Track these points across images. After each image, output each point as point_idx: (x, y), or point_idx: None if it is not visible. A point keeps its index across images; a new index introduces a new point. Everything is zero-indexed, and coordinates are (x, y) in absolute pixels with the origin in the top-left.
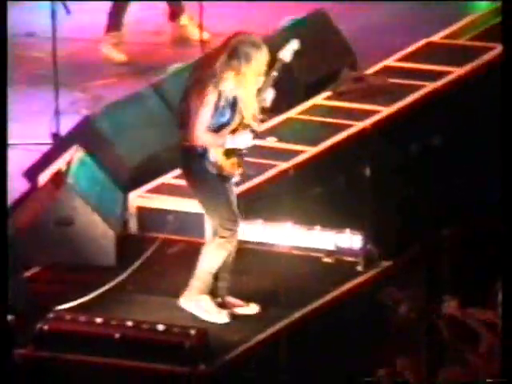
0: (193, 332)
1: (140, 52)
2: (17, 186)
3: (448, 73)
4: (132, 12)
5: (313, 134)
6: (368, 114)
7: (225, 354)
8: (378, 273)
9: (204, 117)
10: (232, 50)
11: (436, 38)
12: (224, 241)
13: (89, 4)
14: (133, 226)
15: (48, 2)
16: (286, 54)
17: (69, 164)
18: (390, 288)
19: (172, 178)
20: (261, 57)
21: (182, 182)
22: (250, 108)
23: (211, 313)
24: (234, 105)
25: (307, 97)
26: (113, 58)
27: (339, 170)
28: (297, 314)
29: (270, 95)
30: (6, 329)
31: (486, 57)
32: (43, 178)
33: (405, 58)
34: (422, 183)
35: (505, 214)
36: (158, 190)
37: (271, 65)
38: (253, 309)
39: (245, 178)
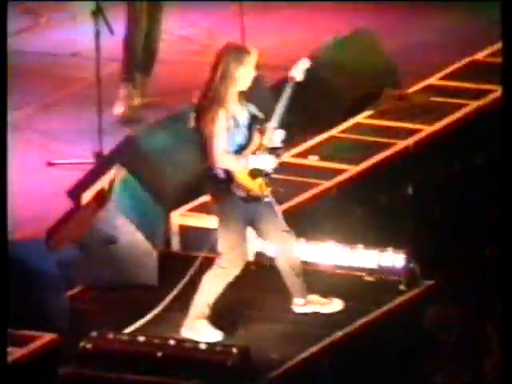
0: (235, 350)
1: (183, 71)
2: (61, 204)
3: (491, 91)
4: (174, 30)
5: (355, 152)
6: (410, 132)
7: (267, 372)
8: (420, 292)
9: (219, 140)
10: (222, 72)
11: (480, 56)
12: (223, 271)
13: None
14: (175, 244)
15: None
16: (297, 72)
17: (111, 183)
18: (432, 311)
19: None
20: (249, 68)
21: None
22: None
23: (203, 334)
24: (250, 125)
25: (348, 115)
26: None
27: (381, 188)
28: (339, 333)
29: (278, 137)
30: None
31: None
32: (86, 197)
33: (448, 77)
34: (463, 202)
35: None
36: (200, 209)
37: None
38: (337, 305)
39: (278, 196)
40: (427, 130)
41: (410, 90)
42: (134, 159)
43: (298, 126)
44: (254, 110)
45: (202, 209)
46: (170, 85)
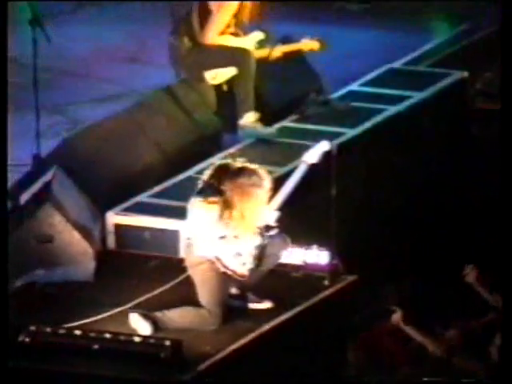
0: (168, 343)
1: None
2: None
3: (408, 97)
4: None
5: (281, 155)
6: (333, 135)
7: (199, 364)
8: (343, 286)
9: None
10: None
11: (397, 64)
12: (209, 317)
13: (69, 31)
14: (110, 242)
15: (28, 29)
16: (315, 155)
17: (49, 184)
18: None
19: (147, 196)
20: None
21: (157, 201)
22: (252, 221)
23: (138, 326)
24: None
25: (276, 120)
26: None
27: (307, 189)
28: (266, 326)
29: (273, 217)
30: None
31: (445, 82)
32: (24, 197)
33: (368, 83)
34: (382, 201)
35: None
36: (133, 209)
37: None
38: (266, 304)
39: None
40: (349, 132)
41: (333, 96)
42: (71, 161)
43: (228, 130)
44: None
45: (136, 209)
46: (107, 88)
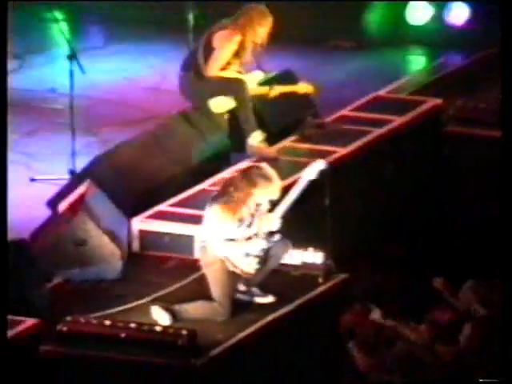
0: (184, 332)
1: (143, 102)
2: (41, 214)
3: (391, 121)
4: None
5: (282, 170)
6: (327, 153)
7: (211, 350)
8: (335, 283)
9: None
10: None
11: (382, 92)
12: (220, 309)
13: (101, 64)
14: (135, 245)
15: (66, 63)
16: (312, 173)
17: (83, 195)
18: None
19: (167, 206)
20: (270, 185)
21: (175, 209)
22: (258, 226)
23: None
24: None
25: (278, 140)
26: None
27: (304, 199)
28: (270, 317)
29: (276, 225)
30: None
31: (422, 108)
32: (62, 206)
33: (357, 109)
34: (370, 210)
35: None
36: (155, 216)
37: None
38: (269, 299)
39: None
40: (341, 151)
41: (327, 120)
42: (102, 175)
43: (236, 149)
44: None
45: (157, 216)
46: (133, 114)
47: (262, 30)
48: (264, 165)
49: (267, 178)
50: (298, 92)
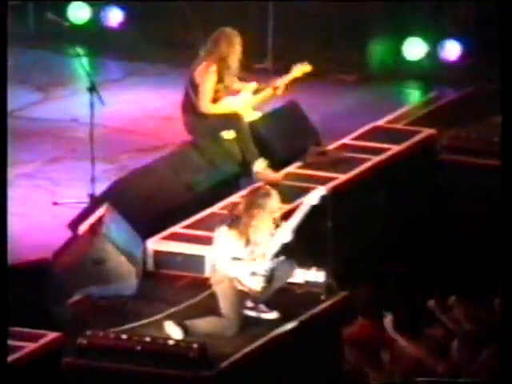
0: (195, 346)
1: (157, 130)
2: (62, 235)
3: (388, 149)
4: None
5: (286, 195)
6: (329, 179)
7: (220, 362)
8: (336, 300)
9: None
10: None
11: (380, 122)
12: (229, 324)
13: (119, 96)
14: (150, 264)
15: (87, 95)
16: (313, 198)
17: (102, 218)
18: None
19: (180, 228)
20: (271, 203)
21: (187, 231)
22: (264, 247)
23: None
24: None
25: (283, 167)
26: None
27: (307, 222)
28: (276, 332)
29: (279, 245)
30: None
31: (418, 138)
32: (82, 228)
33: (357, 138)
34: (368, 232)
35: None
36: (169, 237)
37: None
38: (275, 315)
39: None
40: (342, 177)
41: (329, 148)
42: (119, 199)
43: (244, 175)
44: None
45: (171, 237)
46: (147, 142)
47: (233, 50)
48: (260, 184)
49: (264, 196)
50: (300, 76)
